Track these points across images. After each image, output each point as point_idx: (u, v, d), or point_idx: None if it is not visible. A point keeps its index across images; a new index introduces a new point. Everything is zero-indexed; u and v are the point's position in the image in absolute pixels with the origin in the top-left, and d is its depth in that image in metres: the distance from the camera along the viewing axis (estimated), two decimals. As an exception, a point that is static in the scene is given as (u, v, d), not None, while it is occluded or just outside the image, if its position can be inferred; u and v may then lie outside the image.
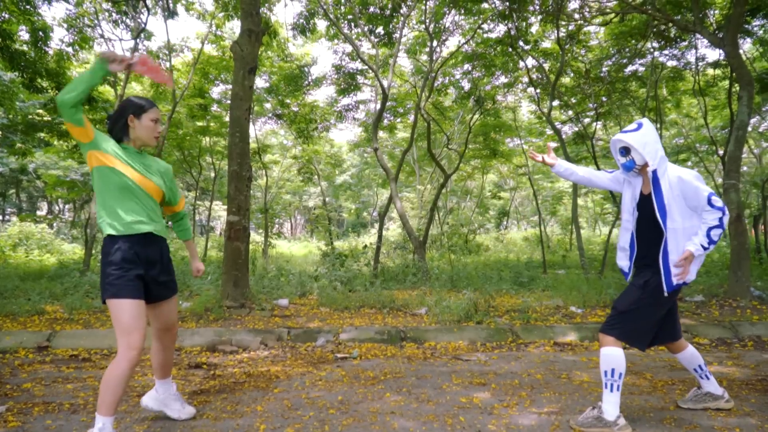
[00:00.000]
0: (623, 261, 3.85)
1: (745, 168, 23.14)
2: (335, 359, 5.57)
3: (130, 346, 3.09)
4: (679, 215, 3.54)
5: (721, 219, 3.46)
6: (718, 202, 3.47)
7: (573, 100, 16.14)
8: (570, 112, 17.04)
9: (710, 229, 3.47)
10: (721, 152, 14.30)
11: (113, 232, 3.24)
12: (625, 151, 3.66)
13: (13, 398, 4.16)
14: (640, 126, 3.66)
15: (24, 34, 12.28)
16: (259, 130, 23.01)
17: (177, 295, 3.66)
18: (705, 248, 3.49)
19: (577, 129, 17.27)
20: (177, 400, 3.75)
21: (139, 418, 3.74)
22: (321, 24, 15.11)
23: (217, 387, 4.51)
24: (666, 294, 3.57)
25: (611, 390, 3.49)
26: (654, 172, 3.59)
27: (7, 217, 34.32)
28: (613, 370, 3.50)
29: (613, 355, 3.53)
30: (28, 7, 11.48)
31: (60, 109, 3.05)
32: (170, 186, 3.59)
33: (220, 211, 32.50)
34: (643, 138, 3.58)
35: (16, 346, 5.88)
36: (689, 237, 3.54)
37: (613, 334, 3.58)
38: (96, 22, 13.60)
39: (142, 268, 3.28)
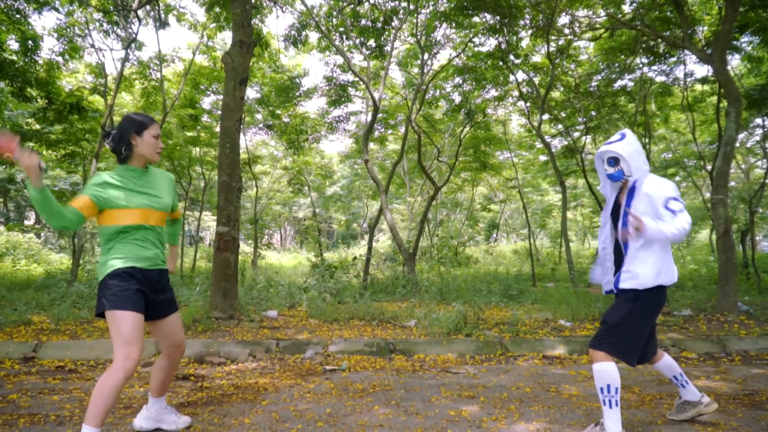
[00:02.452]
0: (595, 274, 3.87)
1: (733, 183, 23.35)
2: (324, 371, 5.54)
3: (128, 357, 3.12)
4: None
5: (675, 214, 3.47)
6: (675, 205, 3.47)
7: (563, 114, 16.25)
8: (560, 126, 17.15)
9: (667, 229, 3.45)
10: (709, 167, 14.40)
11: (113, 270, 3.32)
12: (614, 161, 3.66)
13: (-2, 410, 4.11)
14: (623, 136, 3.68)
15: (13, 43, 12.24)
16: (249, 140, 23.01)
17: (178, 311, 3.69)
18: (655, 232, 3.42)
19: (566, 143, 17.38)
20: (170, 413, 3.73)
21: (126, 431, 3.70)
22: (313, 36, 15.18)
23: (205, 399, 4.48)
24: (614, 293, 3.65)
25: (610, 406, 3.43)
26: (634, 181, 3.61)
27: (-6, 226, 34.03)
28: (608, 386, 3.45)
29: (606, 370, 3.49)
30: (18, 16, 11.45)
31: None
32: (173, 196, 3.66)
33: (209, 221, 32.40)
34: (629, 147, 3.60)
35: (1, 357, 5.82)
36: (652, 249, 3.55)
37: (604, 349, 3.54)
38: (87, 31, 13.58)
39: (142, 284, 3.35)
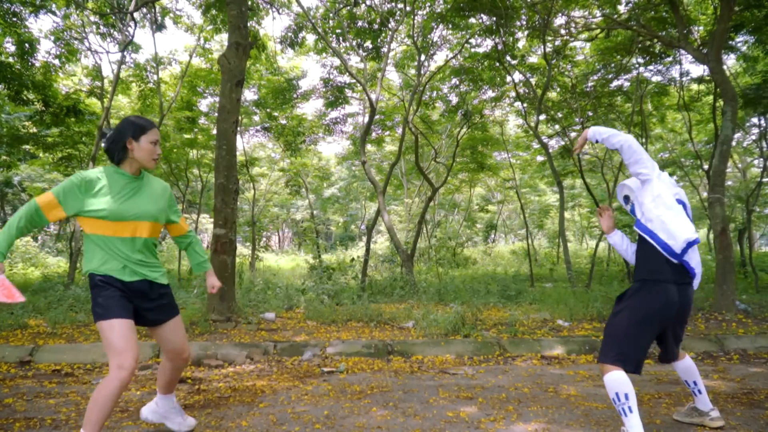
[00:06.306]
0: None
1: (729, 182, 23.36)
2: (322, 373, 5.53)
3: (121, 367, 3.00)
4: (642, 210, 3.65)
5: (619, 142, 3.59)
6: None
7: (559, 115, 16.25)
8: (556, 126, 17.15)
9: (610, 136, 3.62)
10: (706, 167, 14.44)
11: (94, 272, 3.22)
12: (626, 199, 3.75)
13: (-6, 414, 4.10)
14: None
15: (10, 46, 12.22)
16: (246, 142, 22.99)
17: (179, 317, 3.53)
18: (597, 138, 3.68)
19: (563, 143, 17.37)
20: (178, 413, 3.70)
21: (122, 433, 3.69)
22: (309, 38, 15.17)
23: (202, 402, 4.46)
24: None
25: (626, 414, 3.35)
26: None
27: (-9, 229, 33.89)
28: (617, 394, 3.38)
29: (614, 379, 3.43)
30: (14, 19, 11.43)
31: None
32: (170, 205, 3.51)
33: (207, 224, 32.35)
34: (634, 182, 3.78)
35: (-3, 361, 5.80)
36: (650, 221, 3.59)
37: (606, 360, 3.50)
38: (83, 34, 13.58)
39: (125, 292, 3.22)
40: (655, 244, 3.55)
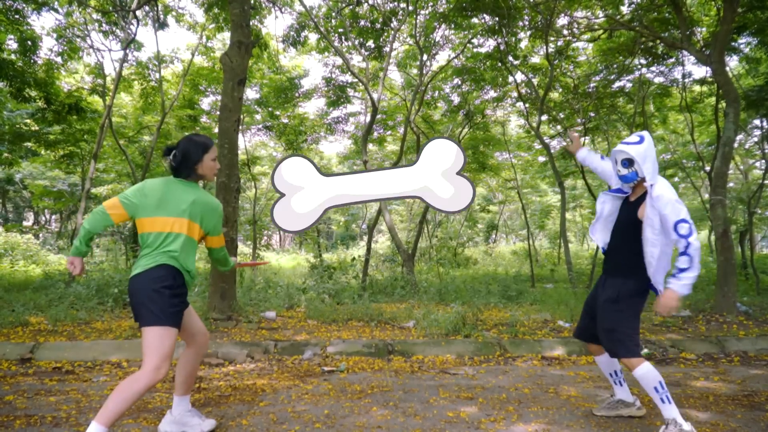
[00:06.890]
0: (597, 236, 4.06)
1: (731, 184, 23.36)
2: (322, 372, 5.53)
3: (158, 369, 3.18)
4: (655, 229, 3.60)
5: (686, 247, 3.45)
6: (683, 228, 3.47)
7: (561, 115, 16.23)
8: (558, 127, 17.13)
9: (679, 256, 3.52)
10: (707, 168, 14.40)
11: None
12: (629, 162, 3.69)
13: (-6, 411, 4.10)
14: (642, 139, 3.72)
15: (12, 44, 12.22)
16: (248, 141, 22.99)
17: None
18: (682, 275, 3.48)
19: (565, 143, 17.35)
20: (194, 416, 3.69)
21: None
22: (312, 37, 15.19)
23: (203, 400, 4.46)
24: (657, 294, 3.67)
25: (669, 401, 3.53)
26: (650, 186, 3.62)
27: (-8, 227, 33.93)
28: (660, 383, 3.55)
29: (649, 370, 3.59)
30: (17, 16, 11.43)
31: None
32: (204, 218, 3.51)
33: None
34: (646, 152, 3.65)
35: (-2, 358, 5.80)
36: (666, 249, 3.60)
37: (636, 354, 3.64)
38: (85, 32, 13.58)
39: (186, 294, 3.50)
40: (646, 266, 3.67)
